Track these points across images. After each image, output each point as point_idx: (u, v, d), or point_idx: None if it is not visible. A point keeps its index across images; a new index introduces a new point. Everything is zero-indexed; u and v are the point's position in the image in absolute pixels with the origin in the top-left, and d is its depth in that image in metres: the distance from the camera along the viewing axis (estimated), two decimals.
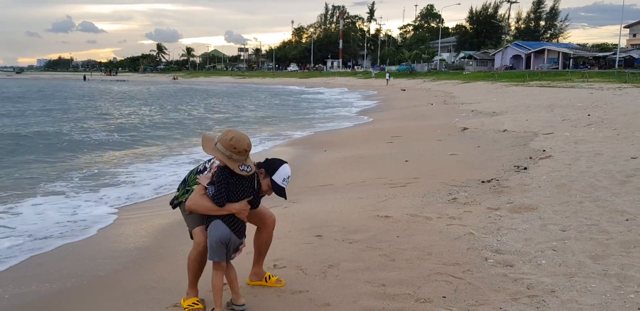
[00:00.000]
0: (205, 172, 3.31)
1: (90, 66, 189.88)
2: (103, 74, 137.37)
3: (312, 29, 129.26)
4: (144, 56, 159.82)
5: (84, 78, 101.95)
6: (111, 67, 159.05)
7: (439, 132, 13.22)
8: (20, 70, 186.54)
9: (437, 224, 5.09)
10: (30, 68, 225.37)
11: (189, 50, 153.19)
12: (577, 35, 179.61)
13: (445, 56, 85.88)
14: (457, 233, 4.76)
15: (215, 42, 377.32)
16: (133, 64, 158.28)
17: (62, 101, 36.39)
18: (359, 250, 4.36)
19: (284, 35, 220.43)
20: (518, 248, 4.26)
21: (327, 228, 5.02)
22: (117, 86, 74.84)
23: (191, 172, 3.50)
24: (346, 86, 59.46)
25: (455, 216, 5.31)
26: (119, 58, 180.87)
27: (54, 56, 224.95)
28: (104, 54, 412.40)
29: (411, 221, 5.19)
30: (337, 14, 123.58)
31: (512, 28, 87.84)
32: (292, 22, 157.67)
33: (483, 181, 6.92)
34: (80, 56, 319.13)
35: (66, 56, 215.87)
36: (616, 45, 58.86)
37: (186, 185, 3.46)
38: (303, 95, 47.68)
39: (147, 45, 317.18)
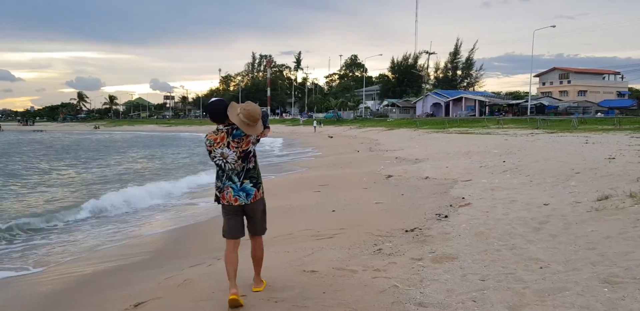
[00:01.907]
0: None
1: (6, 115, 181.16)
2: (20, 124, 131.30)
3: (239, 77, 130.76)
4: (63, 105, 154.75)
5: None
6: (28, 116, 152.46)
7: (365, 180, 13.48)
8: None
9: (362, 277, 5.10)
10: None
11: (111, 98, 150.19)
12: (491, 84, 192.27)
13: (370, 103, 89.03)
14: (382, 286, 4.78)
15: (140, 90, 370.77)
16: (52, 113, 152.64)
17: None
18: (284, 310, 4.29)
19: (211, 83, 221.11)
20: (440, 300, 4.33)
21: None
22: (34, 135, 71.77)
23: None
24: (274, 133, 59.95)
25: (380, 268, 5.36)
26: (36, 107, 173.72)
27: None
28: (20, 103, 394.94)
29: (337, 276, 5.18)
30: (265, 63, 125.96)
31: (432, 77, 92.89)
32: (220, 70, 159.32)
33: (407, 231, 7.06)
34: None
35: None
36: (527, 93, 63.20)
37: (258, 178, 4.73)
38: None
39: (68, 94, 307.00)
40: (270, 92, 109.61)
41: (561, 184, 9.85)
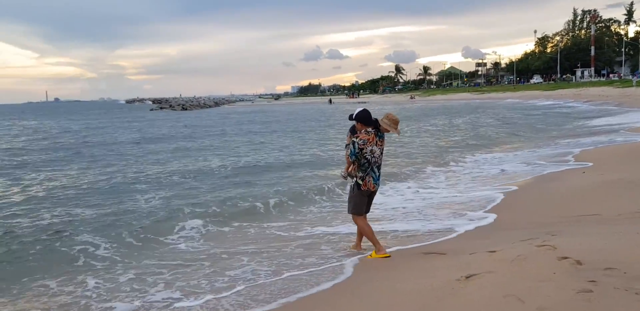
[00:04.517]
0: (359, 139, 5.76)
1: (335, 90, 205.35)
2: (347, 97, 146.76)
3: (558, 38, 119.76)
4: (382, 78, 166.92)
5: (330, 101, 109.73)
6: (353, 90, 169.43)
7: None
8: (277, 97, 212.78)
9: None
10: (286, 94, 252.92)
11: (425, 69, 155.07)
12: None
13: None
14: None
15: (452, 59, 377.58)
16: (373, 86, 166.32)
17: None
18: None
19: (526, 46, 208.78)
20: None
21: (601, 272, 4.17)
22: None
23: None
24: (600, 97, 53.26)
25: None
26: (360, 81, 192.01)
27: (305, 83, 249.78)
28: (347, 78, 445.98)
29: None
30: (588, 19, 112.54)
31: None
32: (535, 31, 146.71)
33: None
34: (327, 82, 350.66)
35: (315, 82, 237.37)
36: None
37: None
38: (547, 109, 44.07)
39: (386, 67, 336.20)
40: (595, 51, 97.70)
41: None
